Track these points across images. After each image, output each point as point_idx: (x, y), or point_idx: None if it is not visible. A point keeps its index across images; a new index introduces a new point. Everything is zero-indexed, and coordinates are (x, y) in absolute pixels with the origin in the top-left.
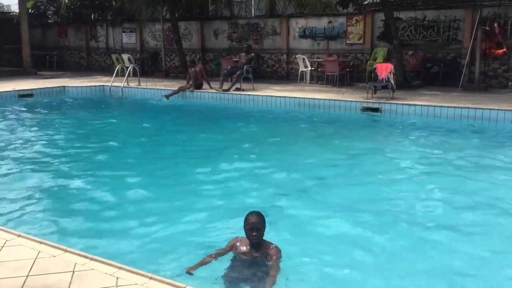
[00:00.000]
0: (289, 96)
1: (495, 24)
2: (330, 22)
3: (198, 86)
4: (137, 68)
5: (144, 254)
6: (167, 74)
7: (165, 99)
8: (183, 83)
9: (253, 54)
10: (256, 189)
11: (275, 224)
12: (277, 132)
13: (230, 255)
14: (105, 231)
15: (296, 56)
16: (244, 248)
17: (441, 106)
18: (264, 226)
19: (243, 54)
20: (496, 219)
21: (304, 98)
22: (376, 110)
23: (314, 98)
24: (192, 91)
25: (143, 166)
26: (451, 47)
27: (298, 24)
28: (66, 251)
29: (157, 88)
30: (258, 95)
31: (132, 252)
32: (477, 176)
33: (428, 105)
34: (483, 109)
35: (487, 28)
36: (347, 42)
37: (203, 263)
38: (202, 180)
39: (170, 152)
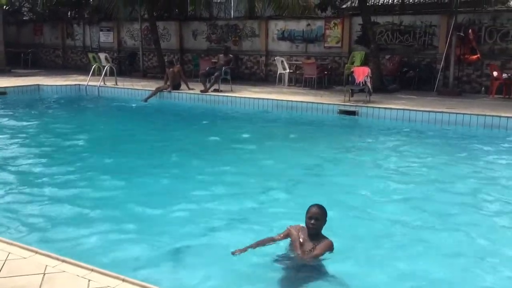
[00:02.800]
0: (267, 98)
1: (470, 30)
2: (308, 25)
3: (176, 87)
4: (114, 68)
5: (116, 256)
6: (144, 74)
7: (144, 102)
8: (161, 83)
9: (231, 56)
10: (229, 193)
11: (250, 225)
12: (254, 134)
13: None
14: (78, 233)
15: (275, 58)
16: (300, 235)
17: (416, 110)
18: (324, 219)
19: (221, 55)
20: (463, 222)
21: (282, 100)
22: (352, 113)
23: (291, 101)
24: (169, 91)
25: (116, 167)
26: (426, 52)
27: (277, 26)
28: (37, 252)
29: (134, 88)
30: (236, 96)
31: (104, 254)
32: (448, 179)
33: (403, 109)
34: (456, 113)
35: (462, 34)
36: (325, 45)
37: (251, 247)
38: (174, 182)
39: (144, 152)
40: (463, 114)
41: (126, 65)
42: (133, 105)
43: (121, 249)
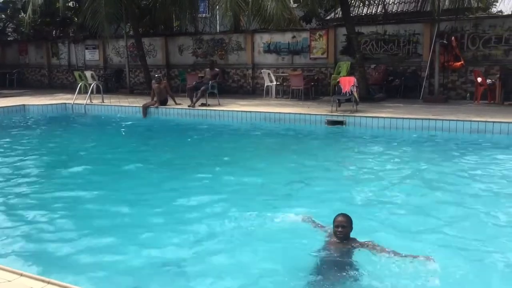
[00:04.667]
0: (255, 110)
1: (453, 38)
2: (294, 37)
3: (163, 103)
4: (100, 85)
5: (100, 276)
6: (131, 91)
7: (143, 117)
8: (148, 99)
9: (217, 70)
10: (218, 208)
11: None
12: (244, 146)
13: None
14: (62, 254)
15: (261, 71)
16: (333, 242)
17: (403, 118)
18: (351, 226)
19: (208, 69)
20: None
21: (269, 112)
22: (340, 123)
23: (279, 112)
24: (156, 107)
25: (103, 184)
26: (411, 60)
27: (262, 39)
28: (22, 275)
29: (121, 105)
30: (224, 110)
31: (90, 274)
32: (437, 184)
33: (390, 117)
34: (443, 120)
35: (445, 41)
36: (311, 56)
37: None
38: (163, 196)
39: (131, 169)
40: (449, 120)
41: (112, 82)
42: (119, 119)
43: (109, 267)
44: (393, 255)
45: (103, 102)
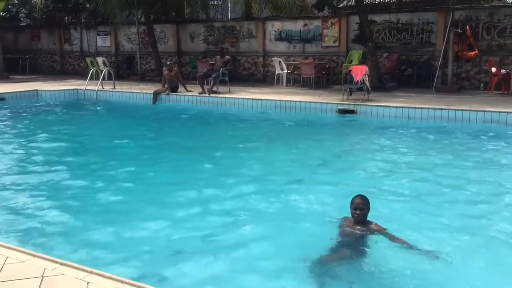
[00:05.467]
0: (266, 98)
1: (467, 27)
2: (305, 25)
3: (174, 90)
4: (112, 71)
5: (114, 257)
6: (142, 78)
7: (153, 104)
8: (158, 86)
9: (228, 57)
10: (231, 195)
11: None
12: (254, 134)
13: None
14: (74, 235)
15: (272, 59)
16: (350, 225)
17: (415, 108)
18: (368, 208)
19: (218, 57)
20: (466, 221)
21: (280, 100)
22: (351, 112)
23: (290, 101)
24: (167, 94)
25: (112, 170)
26: (424, 49)
27: (274, 27)
28: (35, 256)
29: (132, 91)
30: (234, 97)
31: (102, 256)
32: (449, 174)
33: (402, 107)
34: (455, 110)
35: (459, 30)
36: (323, 44)
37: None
38: (173, 184)
39: (143, 155)
40: (462, 110)
41: (124, 68)
42: (130, 105)
43: (120, 251)
44: (405, 245)
45: (114, 88)
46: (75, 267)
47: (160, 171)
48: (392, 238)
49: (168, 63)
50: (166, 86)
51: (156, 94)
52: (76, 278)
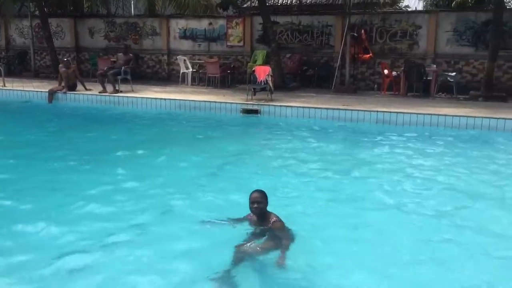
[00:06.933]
0: (169, 98)
1: (362, 31)
2: (210, 23)
3: (72, 88)
4: (1, 68)
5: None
6: (37, 74)
7: (49, 103)
8: (55, 84)
9: (131, 55)
10: (130, 200)
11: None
12: (156, 135)
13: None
14: None
15: (177, 57)
16: (252, 221)
17: (315, 108)
18: (265, 201)
19: (121, 54)
20: (360, 216)
21: (184, 100)
22: (255, 111)
23: (194, 100)
24: (64, 92)
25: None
26: (324, 51)
27: (178, 24)
28: None
29: (25, 89)
30: (137, 97)
31: None
32: (343, 170)
33: (303, 107)
34: (352, 110)
35: (355, 34)
36: (228, 44)
37: (220, 222)
38: (70, 188)
39: (35, 158)
40: (358, 110)
41: (15, 64)
42: (21, 104)
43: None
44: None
45: (4, 86)
46: None
47: (50, 171)
48: (280, 245)
49: (65, 59)
50: (63, 84)
51: (52, 93)
52: None
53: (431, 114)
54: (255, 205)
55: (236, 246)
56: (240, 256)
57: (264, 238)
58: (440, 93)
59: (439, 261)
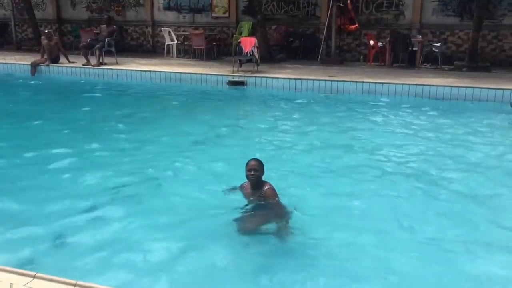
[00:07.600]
0: (155, 70)
1: (348, 1)
2: None
3: (54, 60)
4: None
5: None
6: (19, 47)
7: (32, 75)
8: (37, 56)
9: (114, 26)
10: (121, 169)
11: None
12: (141, 108)
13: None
14: None
15: (162, 29)
16: (247, 189)
17: (301, 79)
18: (262, 170)
19: (103, 26)
20: (337, 179)
21: (170, 72)
22: (241, 83)
23: (180, 72)
24: (47, 65)
25: None
26: (310, 22)
27: None
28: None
29: (6, 62)
30: (121, 69)
31: None
32: (330, 141)
33: (289, 78)
34: (338, 81)
35: (341, 4)
36: (213, 15)
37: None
38: (58, 164)
39: (21, 134)
40: (344, 81)
41: None
42: (2, 78)
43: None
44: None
45: None
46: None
47: (37, 146)
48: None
49: (47, 31)
50: (45, 56)
51: (34, 66)
52: None
53: (416, 85)
54: (252, 173)
55: (234, 220)
56: (241, 232)
57: (260, 211)
58: (425, 64)
59: (438, 215)
